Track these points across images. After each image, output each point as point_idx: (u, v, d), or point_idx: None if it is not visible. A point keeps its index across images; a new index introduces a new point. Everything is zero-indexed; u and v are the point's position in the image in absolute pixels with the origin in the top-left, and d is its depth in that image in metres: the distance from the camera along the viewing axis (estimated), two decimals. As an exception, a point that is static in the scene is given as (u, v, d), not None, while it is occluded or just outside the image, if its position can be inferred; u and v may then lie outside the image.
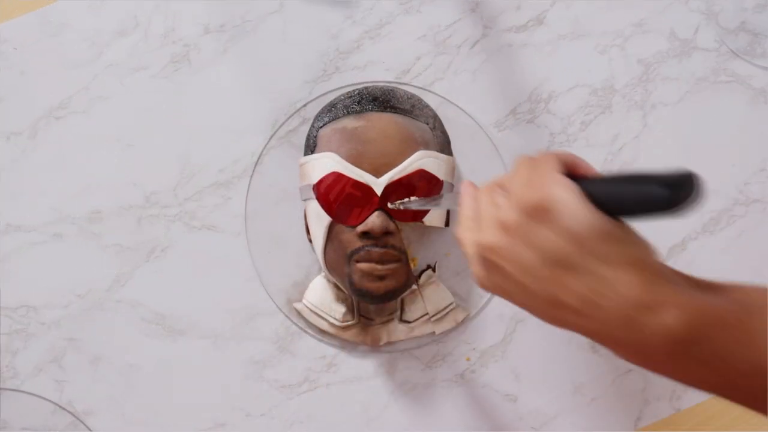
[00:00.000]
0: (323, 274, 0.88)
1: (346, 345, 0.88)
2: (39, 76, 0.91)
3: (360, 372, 0.88)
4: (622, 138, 0.91)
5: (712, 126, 0.91)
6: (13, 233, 0.89)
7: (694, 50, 0.92)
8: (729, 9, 0.93)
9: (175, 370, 0.88)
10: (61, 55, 0.91)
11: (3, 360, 0.88)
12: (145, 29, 0.92)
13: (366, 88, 0.88)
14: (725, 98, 0.92)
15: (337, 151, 0.84)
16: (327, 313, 0.87)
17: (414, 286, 0.88)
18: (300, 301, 0.89)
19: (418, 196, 0.82)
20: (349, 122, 0.85)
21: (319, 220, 0.84)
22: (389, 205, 0.82)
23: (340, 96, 0.88)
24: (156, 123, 0.91)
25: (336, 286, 0.87)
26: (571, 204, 0.48)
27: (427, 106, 0.89)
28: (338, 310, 0.87)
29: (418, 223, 0.85)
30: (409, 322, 0.88)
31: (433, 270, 0.89)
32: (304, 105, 0.91)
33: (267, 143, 0.90)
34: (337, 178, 0.83)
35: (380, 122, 0.85)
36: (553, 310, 0.49)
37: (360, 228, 0.82)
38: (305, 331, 0.89)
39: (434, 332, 0.88)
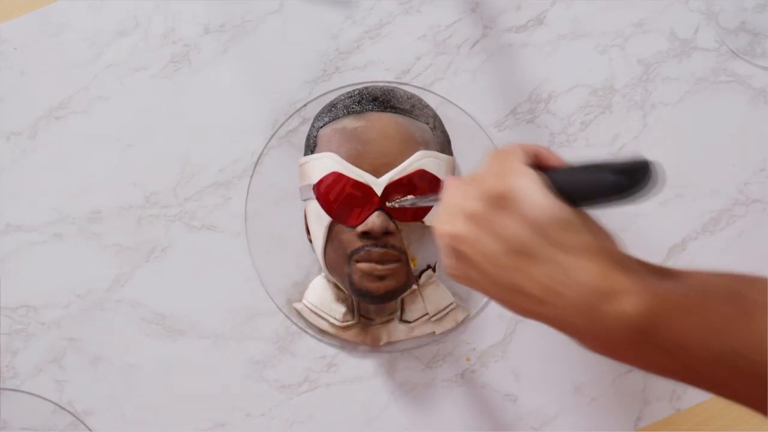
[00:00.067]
0: (323, 274, 0.88)
1: (346, 345, 0.88)
2: (39, 76, 0.91)
3: (360, 372, 0.88)
4: (622, 138, 0.91)
5: (712, 126, 0.91)
6: (13, 233, 0.89)
7: (694, 50, 0.92)
8: (729, 9, 0.93)
9: (175, 370, 0.88)
10: (61, 55, 0.91)
11: (3, 360, 0.88)
12: (145, 29, 0.92)
13: (366, 88, 0.88)
14: (725, 98, 0.92)
15: (337, 151, 0.84)
16: (327, 313, 0.87)
17: (414, 286, 0.88)
18: (300, 301, 0.89)
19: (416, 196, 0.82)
20: (349, 122, 0.85)
21: (319, 220, 0.84)
22: (387, 204, 0.82)
23: (340, 96, 0.89)
24: (156, 123, 0.91)
25: (336, 286, 0.87)
26: (531, 193, 0.48)
27: (427, 106, 0.89)
28: (338, 310, 0.87)
29: (418, 223, 0.85)
30: (409, 322, 0.88)
31: (433, 270, 0.89)
32: (304, 105, 0.91)
33: (267, 143, 0.90)
34: (337, 178, 0.83)
35: (380, 122, 0.85)
36: (516, 299, 0.49)
37: (360, 228, 0.82)
38: (305, 331, 0.89)
39: (434, 332, 0.88)
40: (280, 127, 0.90)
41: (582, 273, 0.47)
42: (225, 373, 0.88)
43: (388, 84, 0.90)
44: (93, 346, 0.88)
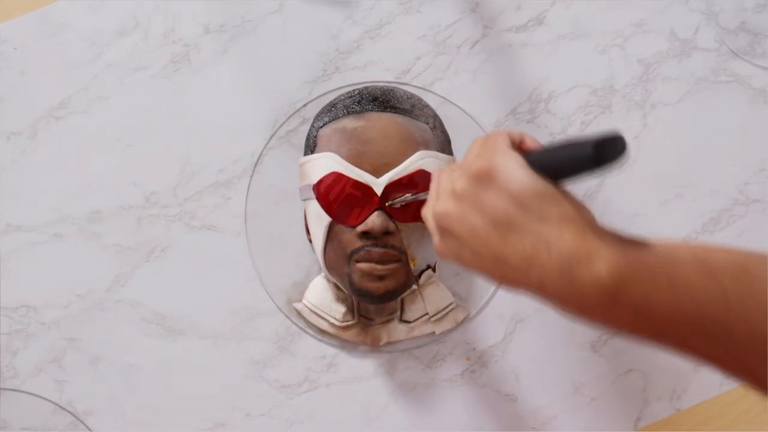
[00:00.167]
0: (323, 274, 0.88)
1: (346, 345, 0.88)
2: (39, 76, 0.91)
3: (360, 372, 0.88)
4: (622, 138, 0.91)
5: (712, 126, 0.91)
6: (13, 233, 0.89)
7: (694, 50, 0.92)
8: (729, 9, 0.93)
9: (175, 370, 0.88)
10: (61, 55, 0.91)
11: (3, 360, 0.88)
12: (145, 29, 0.92)
13: (366, 88, 0.88)
14: (725, 98, 0.92)
15: (337, 151, 0.84)
16: (327, 313, 0.87)
17: (414, 286, 0.88)
18: (300, 301, 0.89)
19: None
20: (349, 122, 0.85)
21: (319, 220, 0.84)
22: (386, 204, 0.82)
23: (340, 96, 0.89)
24: (156, 123, 0.91)
25: (336, 286, 0.87)
26: (512, 170, 0.53)
27: (427, 105, 0.89)
28: (338, 310, 0.87)
29: (419, 224, 0.85)
30: (409, 322, 0.88)
31: (433, 270, 0.89)
32: (304, 105, 0.91)
33: (267, 143, 0.90)
34: (337, 178, 0.83)
35: (380, 122, 0.85)
36: (501, 269, 0.52)
37: (360, 228, 0.82)
38: (305, 331, 0.89)
39: (434, 332, 0.88)
40: (280, 127, 0.90)
41: (560, 241, 0.50)
42: (225, 373, 0.88)
43: (388, 84, 0.90)
44: (93, 346, 0.88)
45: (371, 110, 0.85)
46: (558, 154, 0.54)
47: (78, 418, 0.87)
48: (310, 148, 0.88)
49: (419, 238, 0.89)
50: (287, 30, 0.92)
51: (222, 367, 0.88)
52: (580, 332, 0.89)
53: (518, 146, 0.57)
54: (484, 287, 0.89)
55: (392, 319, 0.88)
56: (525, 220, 0.51)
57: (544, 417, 0.88)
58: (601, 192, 0.90)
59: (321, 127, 0.87)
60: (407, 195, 0.81)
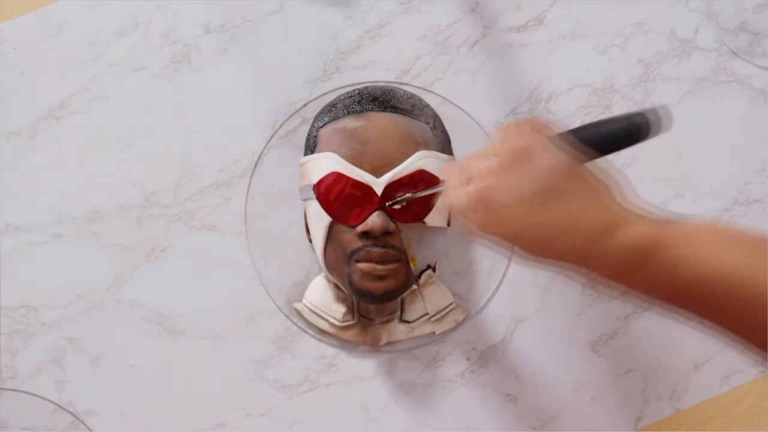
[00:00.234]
0: (323, 274, 0.88)
1: (346, 345, 0.88)
2: (39, 76, 0.91)
3: (360, 372, 0.88)
4: (622, 138, 0.91)
5: (712, 126, 0.91)
6: (13, 233, 0.89)
7: (694, 50, 0.92)
8: (729, 9, 0.93)
9: (175, 370, 0.88)
10: (61, 55, 0.91)
11: (3, 360, 0.88)
12: (145, 29, 0.92)
13: (366, 88, 0.88)
14: (725, 98, 0.92)
15: (337, 151, 0.84)
16: (327, 313, 0.87)
17: (414, 286, 0.88)
18: (300, 301, 0.89)
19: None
20: (350, 122, 0.85)
21: (319, 220, 0.84)
22: (386, 204, 0.82)
23: (340, 96, 0.89)
24: (156, 123, 0.91)
25: (336, 286, 0.87)
26: (549, 148, 0.58)
27: (427, 105, 0.89)
28: (338, 310, 0.87)
29: (419, 224, 0.85)
30: (409, 322, 0.88)
31: (433, 270, 0.89)
32: (304, 105, 0.91)
33: (267, 143, 0.90)
34: (337, 178, 0.83)
35: (380, 122, 0.85)
36: (539, 234, 0.57)
37: (360, 228, 0.82)
38: (305, 331, 0.89)
39: (434, 332, 0.88)
40: (280, 127, 0.90)
41: (596, 208, 0.56)
42: (225, 373, 0.88)
43: (388, 84, 0.90)
44: (93, 346, 0.88)
45: (371, 110, 0.85)
46: (591, 132, 0.59)
47: (78, 418, 0.87)
48: (310, 148, 0.88)
49: (419, 238, 0.89)
50: (287, 30, 0.92)
51: (222, 367, 0.88)
52: (580, 332, 0.89)
53: (544, 131, 0.62)
54: (484, 287, 0.89)
55: (392, 319, 0.88)
56: (563, 190, 0.56)
57: (544, 417, 0.88)
58: (601, 192, 0.90)
59: (321, 127, 0.87)
60: (407, 194, 0.81)
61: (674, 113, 0.80)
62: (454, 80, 0.92)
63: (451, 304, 0.88)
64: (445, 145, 0.88)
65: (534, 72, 0.92)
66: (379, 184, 0.82)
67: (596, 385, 0.88)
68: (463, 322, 0.88)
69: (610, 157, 0.62)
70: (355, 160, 0.83)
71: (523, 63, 0.92)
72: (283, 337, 0.88)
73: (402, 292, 0.85)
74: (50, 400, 0.87)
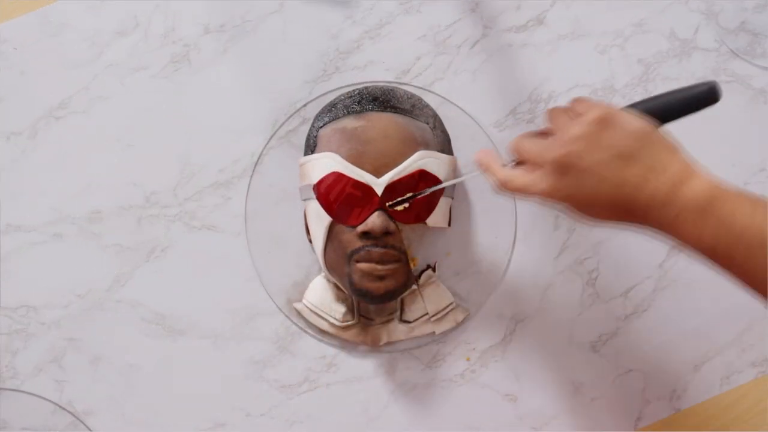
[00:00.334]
0: (323, 274, 0.88)
1: (346, 345, 0.88)
2: (39, 76, 0.91)
3: (360, 372, 0.88)
4: (622, 138, 0.91)
5: (712, 126, 0.91)
6: (13, 233, 0.89)
7: (694, 50, 0.92)
8: (729, 9, 0.93)
9: (175, 370, 0.88)
10: (61, 55, 0.91)
11: (3, 360, 0.88)
12: (145, 29, 0.92)
13: (366, 88, 0.88)
14: (725, 98, 0.91)
15: (337, 151, 0.84)
16: (327, 313, 0.87)
17: (414, 286, 0.88)
18: (300, 301, 0.89)
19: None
20: (350, 122, 0.85)
21: (319, 220, 0.84)
22: (387, 204, 0.82)
23: (340, 96, 0.89)
24: (156, 123, 0.91)
25: (336, 286, 0.87)
26: (625, 115, 0.67)
27: (427, 105, 0.89)
28: (338, 310, 0.87)
29: (420, 224, 0.85)
30: (409, 322, 0.88)
31: (433, 270, 0.89)
32: (304, 105, 0.91)
33: (267, 143, 0.90)
34: (337, 178, 0.83)
35: (380, 122, 0.85)
36: (619, 192, 0.65)
37: (360, 228, 0.82)
38: (305, 331, 0.89)
39: (434, 332, 0.88)
40: (280, 127, 0.90)
41: (670, 165, 0.65)
42: (225, 373, 0.88)
43: (388, 84, 0.90)
44: (93, 346, 0.88)
45: (371, 110, 0.85)
46: (670, 99, 0.69)
47: (78, 418, 0.87)
48: (310, 148, 0.88)
49: (419, 238, 0.89)
50: (287, 30, 0.92)
51: (222, 367, 0.88)
52: (580, 332, 0.89)
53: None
54: (484, 287, 0.89)
55: (392, 319, 0.88)
56: (642, 151, 0.65)
57: (544, 417, 0.88)
58: (601, 192, 0.90)
59: (321, 127, 0.87)
60: (408, 194, 0.82)
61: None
62: (454, 80, 0.92)
63: (451, 304, 0.88)
64: (445, 145, 0.88)
65: (534, 72, 0.92)
66: (379, 184, 0.82)
67: (596, 385, 0.88)
68: (463, 322, 0.88)
69: None
70: (356, 160, 0.83)
71: (523, 63, 0.92)
72: (283, 337, 0.89)
73: (402, 292, 0.85)
74: (50, 400, 0.87)
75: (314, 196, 0.84)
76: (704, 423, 0.87)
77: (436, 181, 0.84)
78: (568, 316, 0.89)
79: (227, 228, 0.90)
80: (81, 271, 0.89)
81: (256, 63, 0.92)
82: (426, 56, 0.92)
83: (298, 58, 0.92)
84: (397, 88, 0.89)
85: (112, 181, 0.90)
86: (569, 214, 0.69)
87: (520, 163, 0.71)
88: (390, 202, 0.82)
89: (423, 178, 0.83)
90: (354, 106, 0.86)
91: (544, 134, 0.71)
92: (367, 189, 0.82)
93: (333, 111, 0.87)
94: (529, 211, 0.90)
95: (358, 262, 0.82)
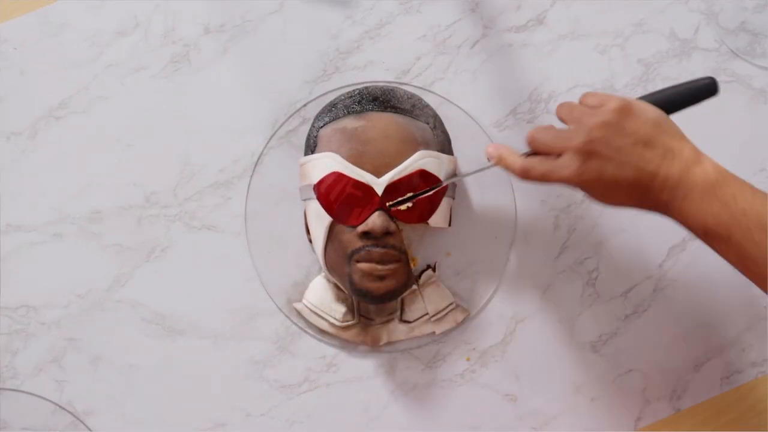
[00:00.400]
0: (323, 274, 0.88)
1: (346, 345, 0.88)
2: (39, 76, 0.91)
3: (360, 372, 0.88)
4: (622, 138, 0.91)
5: (712, 126, 0.91)
6: (13, 233, 0.89)
7: (694, 50, 0.92)
8: (729, 9, 0.93)
9: (175, 370, 0.88)
10: (61, 55, 0.91)
11: (3, 360, 0.88)
12: (145, 29, 0.92)
13: (366, 88, 0.88)
14: (725, 98, 0.92)
15: (337, 151, 0.84)
16: (327, 313, 0.87)
17: (414, 286, 0.88)
18: (300, 301, 0.89)
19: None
20: (350, 122, 0.85)
21: (320, 220, 0.84)
22: (387, 204, 0.82)
23: (340, 96, 0.89)
24: (156, 123, 0.91)
25: (336, 286, 0.87)
26: (642, 104, 0.73)
27: (428, 105, 0.89)
28: (338, 310, 0.87)
29: (420, 224, 0.85)
30: (409, 322, 0.88)
31: (433, 270, 0.89)
32: (304, 105, 0.91)
33: (267, 143, 0.90)
34: (337, 178, 0.83)
35: (380, 122, 0.85)
36: (638, 175, 0.71)
37: (360, 228, 0.82)
38: (305, 331, 0.89)
39: (434, 332, 0.88)
40: (280, 127, 0.90)
41: (682, 150, 0.71)
42: (225, 373, 0.88)
43: (388, 84, 0.90)
44: (93, 346, 0.88)
45: (371, 110, 0.85)
46: (675, 92, 0.75)
47: (78, 418, 0.87)
48: (311, 148, 0.88)
49: (419, 238, 0.89)
50: (287, 30, 0.92)
51: (222, 367, 0.88)
52: (580, 332, 0.89)
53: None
54: (484, 287, 0.89)
55: (392, 319, 0.88)
56: (658, 137, 0.71)
57: (544, 417, 0.88)
58: (601, 192, 0.90)
59: (321, 127, 0.87)
60: (408, 194, 0.82)
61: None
62: (454, 80, 0.92)
63: (451, 304, 0.88)
64: (445, 145, 0.88)
65: (534, 72, 0.92)
66: (379, 184, 0.82)
67: (596, 385, 0.88)
68: (463, 322, 0.88)
69: None
70: (356, 160, 0.83)
71: (523, 63, 0.92)
72: (283, 337, 0.89)
73: (402, 292, 0.85)
74: (50, 400, 0.87)
75: (314, 196, 0.84)
76: (704, 423, 0.87)
77: (437, 181, 0.84)
78: (568, 316, 0.89)
79: (227, 228, 0.90)
80: (81, 271, 0.89)
81: (256, 63, 0.92)
82: (426, 56, 0.92)
83: (298, 58, 0.92)
84: (397, 88, 0.89)
85: (112, 181, 0.90)
86: (586, 197, 0.74)
87: (533, 154, 0.75)
88: (390, 202, 0.82)
89: (423, 177, 0.83)
90: (354, 106, 0.86)
91: (552, 129, 0.75)
92: (368, 189, 0.82)
93: (333, 111, 0.87)
94: (529, 211, 0.90)
95: (358, 262, 0.82)
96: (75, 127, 0.91)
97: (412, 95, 0.89)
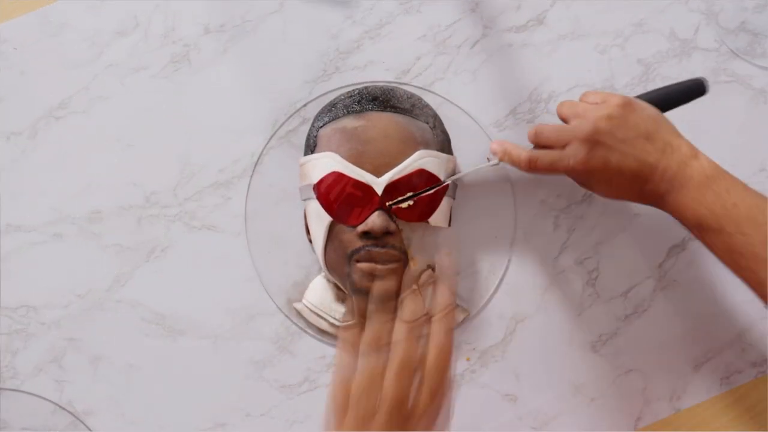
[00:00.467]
0: (323, 274, 0.88)
1: (346, 345, 0.88)
2: (39, 76, 0.91)
3: (360, 372, 0.88)
4: (622, 138, 0.91)
5: (712, 126, 0.91)
6: (13, 233, 0.89)
7: (694, 50, 0.92)
8: (729, 9, 0.93)
9: (175, 370, 0.88)
10: (61, 55, 0.91)
11: (3, 360, 0.88)
12: (145, 29, 0.92)
13: (366, 87, 0.88)
14: (725, 98, 0.92)
15: (337, 151, 0.84)
16: (327, 313, 0.87)
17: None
18: (300, 301, 0.89)
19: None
20: (350, 122, 0.85)
21: (320, 219, 0.84)
22: (387, 204, 0.82)
23: (340, 96, 0.89)
24: (156, 123, 0.91)
25: (336, 286, 0.87)
26: (641, 101, 0.78)
27: (427, 105, 0.89)
28: (338, 310, 0.87)
29: (419, 223, 0.85)
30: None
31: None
32: (304, 105, 0.91)
33: (267, 143, 0.90)
34: (337, 177, 0.83)
35: (380, 122, 0.85)
36: (639, 165, 0.75)
37: (360, 228, 0.82)
38: (305, 331, 0.89)
39: (434, 332, 0.88)
40: (280, 127, 0.90)
41: (680, 145, 0.76)
42: (225, 373, 0.88)
43: (388, 84, 0.90)
44: (93, 346, 0.88)
45: (371, 110, 0.85)
46: (667, 91, 0.81)
47: (78, 418, 0.87)
48: (310, 147, 0.88)
49: (419, 238, 0.89)
50: (287, 30, 0.92)
51: (222, 367, 0.88)
52: (580, 332, 0.89)
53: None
54: (484, 287, 0.89)
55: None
56: (657, 132, 0.76)
57: (544, 417, 0.88)
58: (601, 192, 0.90)
59: (321, 126, 0.87)
60: (409, 194, 0.82)
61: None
62: (454, 80, 0.92)
63: (451, 304, 0.88)
64: (445, 145, 0.88)
65: (534, 72, 0.92)
66: (379, 184, 0.82)
67: (596, 385, 0.88)
68: (463, 322, 0.88)
69: None
70: (356, 160, 0.83)
71: (523, 63, 0.92)
72: (283, 337, 0.88)
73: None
74: (50, 400, 0.87)
75: (314, 196, 0.84)
76: (704, 423, 0.87)
77: (436, 180, 0.84)
78: (568, 316, 0.89)
79: (227, 228, 0.90)
80: (81, 271, 0.89)
81: (256, 63, 0.92)
82: (426, 56, 0.92)
83: (298, 58, 0.92)
84: (397, 87, 0.89)
85: (112, 181, 0.90)
86: (587, 187, 0.78)
87: (537, 148, 0.79)
88: (390, 202, 0.82)
89: (423, 177, 0.83)
90: (354, 105, 0.86)
91: (554, 124, 0.79)
92: (367, 189, 0.82)
93: (333, 111, 0.87)
94: (529, 211, 0.90)
95: (358, 261, 0.82)
96: (75, 127, 0.91)
97: (412, 95, 0.89)
